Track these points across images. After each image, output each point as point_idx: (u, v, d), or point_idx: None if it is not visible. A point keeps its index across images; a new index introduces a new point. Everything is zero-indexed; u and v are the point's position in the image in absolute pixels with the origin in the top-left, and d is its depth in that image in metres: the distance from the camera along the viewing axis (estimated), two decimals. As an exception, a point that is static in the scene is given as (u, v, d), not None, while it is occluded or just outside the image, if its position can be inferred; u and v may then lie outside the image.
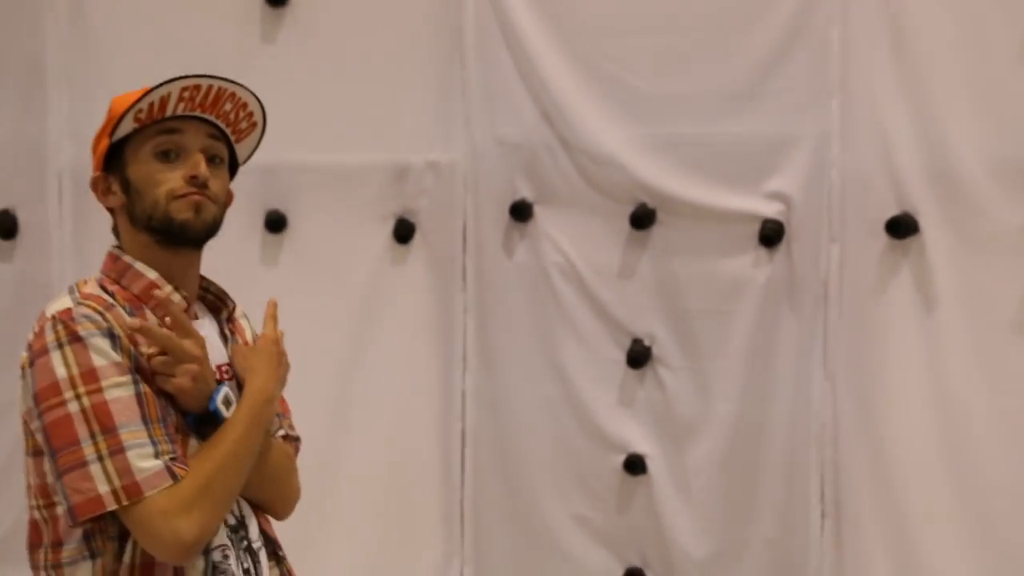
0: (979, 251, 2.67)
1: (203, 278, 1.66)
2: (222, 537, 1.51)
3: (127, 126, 1.53)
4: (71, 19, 3.02)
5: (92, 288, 1.53)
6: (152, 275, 1.55)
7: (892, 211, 2.73)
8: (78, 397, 1.40)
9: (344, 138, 3.00)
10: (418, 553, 3.07)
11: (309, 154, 2.99)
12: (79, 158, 2.93)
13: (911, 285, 2.73)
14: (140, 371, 1.45)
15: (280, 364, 1.62)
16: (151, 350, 1.47)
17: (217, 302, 1.68)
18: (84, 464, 1.39)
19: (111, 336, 1.43)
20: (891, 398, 2.76)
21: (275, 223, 3.03)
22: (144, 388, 1.44)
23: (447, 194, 3.00)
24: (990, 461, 2.68)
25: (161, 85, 1.50)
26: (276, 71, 2.92)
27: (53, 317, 1.45)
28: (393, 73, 2.98)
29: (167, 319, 1.50)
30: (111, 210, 1.61)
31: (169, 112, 1.53)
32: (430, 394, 3.05)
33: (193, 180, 1.53)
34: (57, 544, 1.48)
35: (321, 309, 2.96)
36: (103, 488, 1.39)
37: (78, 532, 1.46)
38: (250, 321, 1.76)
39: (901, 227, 2.71)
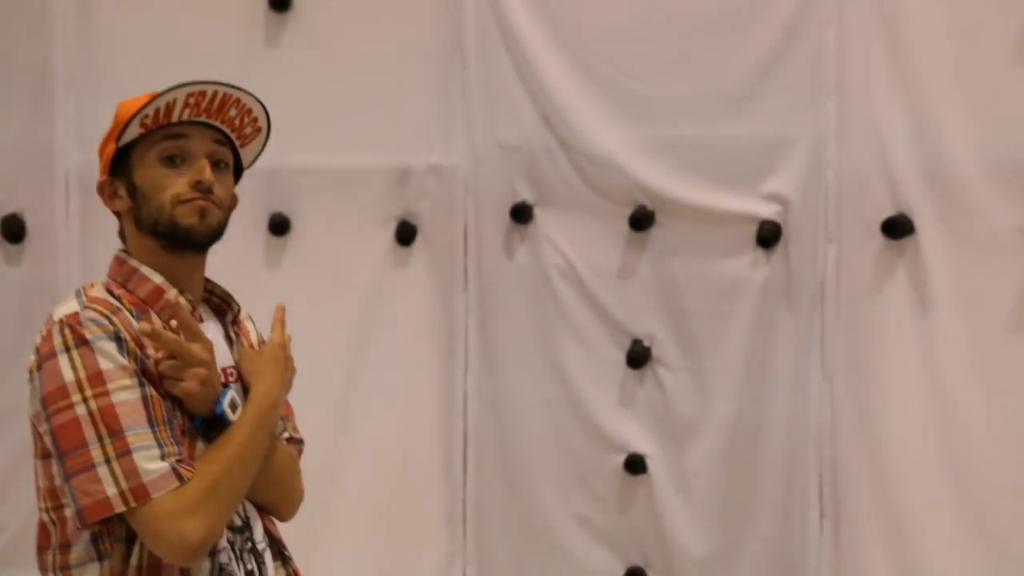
0: (974, 251, 2.66)
1: (208, 281, 1.67)
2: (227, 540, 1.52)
3: (133, 131, 1.54)
4: (78, 23, 3.02)
5: (99, 292, 1.53)
6: (158, 279, 1.55)
7: (888, 212, 2.73)
8: (85, 400, 1.41)
9: (346, 141, 3.01)
10: (421, 553, 3.08)
11: (312, 157, 3.00)
12: (86, 162, 2.94)
13: (907, 285, 2.73)
14: (146, 374, 1.45)
15: (286, 369, 1.62)
16: (158, 354, 1.47)
17: (222, 305, 1.68)
18: (92, 466, 1.40)
19: (118, 339, 1.44)
20: (888, 397, 2.76)
21: (278, 226, 3.04)
22: (150, 391, 1.44)
23: (448, 197, 3.02)
24: (987, 460, 2.68)
25: (167, 91, 1.51)
26: (279, 75, 2.93)
27: (60, 321, 1.45)
28: (394, 77, 3.00)
29: (174, 323, 1.51)
30: (117, 214, 1.61)
31: (175, 117, 1.53)
32: (432, 395, 3.07)
33: (198, 185, 1.53)
34: (65, 546, 1.49)
35: (324, 311, 2.97)
36: (111, 490, 1.39)
37: (86, 534, 1.47)
38: (255, 323, 1.77)
39: (897, 228, 2.71)
